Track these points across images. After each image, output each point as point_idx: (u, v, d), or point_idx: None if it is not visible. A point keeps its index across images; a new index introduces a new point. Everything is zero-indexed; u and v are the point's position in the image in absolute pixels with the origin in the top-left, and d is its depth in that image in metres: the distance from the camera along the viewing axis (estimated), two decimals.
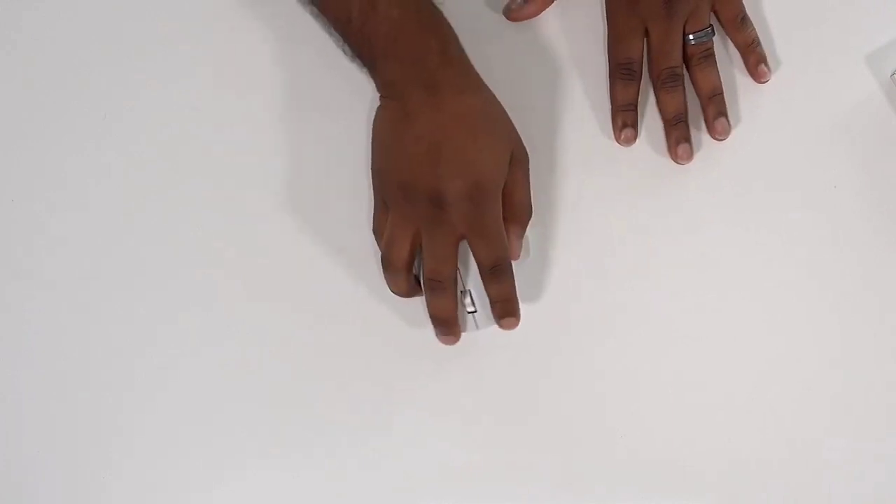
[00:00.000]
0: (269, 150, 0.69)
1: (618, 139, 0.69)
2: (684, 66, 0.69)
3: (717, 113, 0.68)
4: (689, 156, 0.68)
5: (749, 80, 0.70)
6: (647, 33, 0.68)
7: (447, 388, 0.69)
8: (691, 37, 0.68)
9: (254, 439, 0.69)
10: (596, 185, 0.69)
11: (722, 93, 0.69)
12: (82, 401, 0.69)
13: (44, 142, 0.69)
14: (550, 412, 0.69)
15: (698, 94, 0.69)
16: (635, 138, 0.69)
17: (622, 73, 0.68)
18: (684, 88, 0.68)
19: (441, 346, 0.67)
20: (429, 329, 0.67)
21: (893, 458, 0.68)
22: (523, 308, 0.66)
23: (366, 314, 0.69)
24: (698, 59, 0.68)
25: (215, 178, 0.69)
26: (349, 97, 0.69)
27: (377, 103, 0.66)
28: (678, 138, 0.68)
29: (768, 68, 0.69)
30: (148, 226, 0.69)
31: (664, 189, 0.69)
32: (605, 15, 0.70)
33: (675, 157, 0.69)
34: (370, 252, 0.69)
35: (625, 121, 0.68)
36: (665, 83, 0.68)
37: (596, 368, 0.69)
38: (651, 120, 0.70)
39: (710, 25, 0.68)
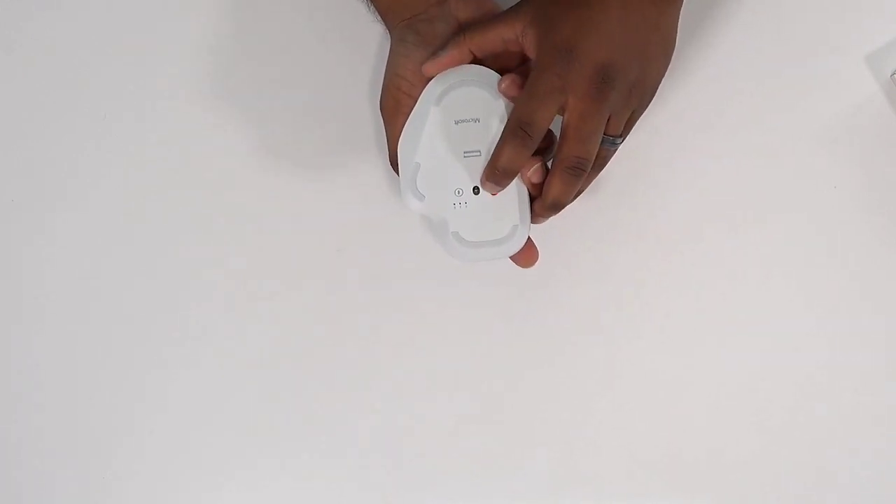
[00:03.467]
0: (269, 151, 0.69)
1: (483, 186, 0.61)
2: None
3: (541, 214, 0.62)
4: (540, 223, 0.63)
5: (748, 79, 0.69)
6: (564, 110, 0.59)
7: (446, 387, 0.69)
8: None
9: (255, 439, 0.69)
10: (595, 183, 0.69)
11: (564, 207, 0.62)
12: (83, 401, 0.69)
13: (44, 142, 0.69)
14: (550, 412, 0.69)
15: (544, 190, 0.61)
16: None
17: (518, 133, 0.59)
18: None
19: (440, 345, 0.68)
20: (427, 329, 0.67)
21: (892, 458, 0.68)
22: (523, 306, 0.66)
23: (366, 312, 0.69)
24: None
25: (216, 178, 0.69)
26: (351, 99, 0.69)
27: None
28: (540, 213, 0.62)
29: (543, 217, 0.63)
30: (148, 226, 0.69)
31: (664, 189, 0.69)
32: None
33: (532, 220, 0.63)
34: (368, 251, 0.69)
35: (497, 182, 0.61)
36: (568, 170, 0.59)
37: (595, 368, 0.69)
38: (656, 117, 0.70)
39: (623, 135, 0.62)
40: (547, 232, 0.68)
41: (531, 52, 0.60)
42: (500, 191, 0.61)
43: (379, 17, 0.65)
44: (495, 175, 0.60)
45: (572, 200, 0.62)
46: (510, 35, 0.60)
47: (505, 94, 0.61)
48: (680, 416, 0.69)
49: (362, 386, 0.69)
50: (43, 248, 0.69)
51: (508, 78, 0.61)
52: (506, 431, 0.69)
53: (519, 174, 0.61)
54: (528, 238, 0.63)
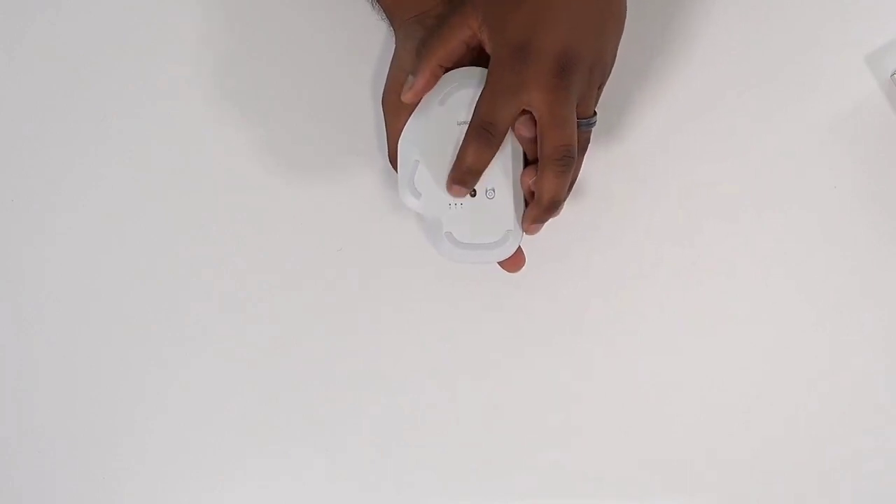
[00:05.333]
0: (270, 151, 0.69)
1: (449, 190, 0.61)
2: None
3: (539, 217, 0.61)
4: (537, 232, 0.62)
5: (747, 79, 0.69)
6: (532, 106, 0.58)
7: (446, 386, 0.69)
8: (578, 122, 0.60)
9: (255, 439, 0.69)
10: (592, 184, 0.69)
11: (562, 204, 0.61)
12: (83, 401, 0.69)
13: (44, 142, 0.70)
14: (550, 412, 0.69)
15: (538, 193, 0.60)
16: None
17: (481, 133, 0.59)
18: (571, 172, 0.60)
19: (441, 345, 0.67)
20: (427, 329, 0.67)
21: (892, 458, 0.68)
22: (525, 306, 0.65)
23: (366, 312, 0.69)
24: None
25: (216, 178, 0.69)
26: (352, 98, 0.69)
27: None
28: (538, 217, 0.61)
29: (539, 225, 0.62)
30: (148, 225, 0.69)
31: (663, 189, 0.69)
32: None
33: (524, 229, 0.62)
34: (368, 251, 0.69)
35: (464, 183, 0.60)
36: (557, 162, 0.58)
37: (596, 368, 0.69)
38: (654, 116, 0.70)
39: (596, 112, 0.61)
40: (550, 232, 0.68)
41: (488, 48, 0.59)
42: (466, 192, 0.61)
43: (384, 16, 0.65)
44: (461, 176, 0.60)
45: (567, 196, 0.62)
46: (468, 34, 0.59)
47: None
48: (679, 416, 0.68)
49: (362, 386, 0.69)
50: (43, 248, 0.69)
51: None
52: (506, 431, 0.69)
53: (518, 181, 0.61)
54: (518, 245, 0.63)
